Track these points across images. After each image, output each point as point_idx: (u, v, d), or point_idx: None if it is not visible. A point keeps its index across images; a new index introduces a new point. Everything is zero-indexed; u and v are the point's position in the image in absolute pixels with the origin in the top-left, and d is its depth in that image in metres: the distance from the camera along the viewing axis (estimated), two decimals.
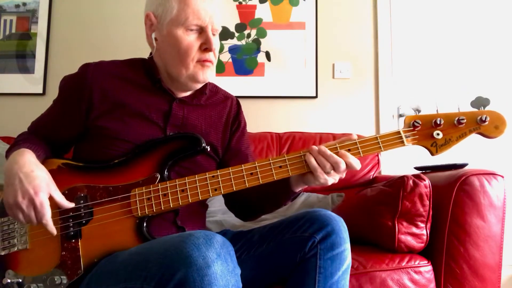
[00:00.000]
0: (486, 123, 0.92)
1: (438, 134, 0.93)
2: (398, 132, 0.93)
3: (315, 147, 0.92)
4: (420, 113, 0.95)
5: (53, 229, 0.90)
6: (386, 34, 2.25)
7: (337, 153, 0.90)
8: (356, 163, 0.90)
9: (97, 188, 0.95)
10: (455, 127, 0.93)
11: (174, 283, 0.71)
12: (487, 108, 0.93)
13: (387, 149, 0.93)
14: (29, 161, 0.92)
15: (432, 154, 0.94)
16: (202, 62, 1.01)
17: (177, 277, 0.71)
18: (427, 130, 0.93)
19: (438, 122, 0.92)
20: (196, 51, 1.00)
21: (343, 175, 0.93)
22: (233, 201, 1.17)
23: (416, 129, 0.94)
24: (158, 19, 1.03)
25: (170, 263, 0.72)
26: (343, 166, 0.89)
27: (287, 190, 1.00)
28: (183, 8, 0.98)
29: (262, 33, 2.26)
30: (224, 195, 1.16)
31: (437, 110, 0.94)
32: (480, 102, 0.94)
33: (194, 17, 0.98)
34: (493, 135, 0.93)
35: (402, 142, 0.93)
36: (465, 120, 0.92)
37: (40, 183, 0.88)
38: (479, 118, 0.92)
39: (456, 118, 0.92)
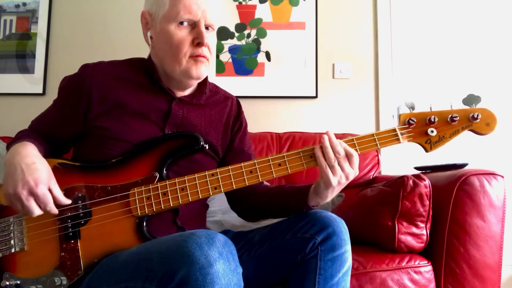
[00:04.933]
0: (478, 120, 0.95)
1: (432, 132, 0.95)
2: (394, 130, 0.96)
3: (325, 140, 0.92)
4: (414, 111, 0.97)
5: (55, 210, 0.90)
6: (386, 34, 2.25)
7: None
8: (352, 151, 0.92)
9: (95, 187, 0.95)
10: (448, 124, 0.96)
11: (176, 282, 0.71)
12: (478, 106, 0.96)
13: (383, 146, 0.96)
14: (31, 153, 0.92)
15: (426, 150, 0.97)
16: (195, 58, 0.99)
17: (179, 276, 0.71)
18: (422, 127, 0.96)
19: (432, 120, 0.95)
20: (189, 46, 0.99)
21: (349, 176, 0.92)
22: (240, 201, 1.16)
23: (411, 127, 0.96)
24: (152, 16, 1.03)
25: (172, 262, 0.72)
26: (342, 152, 0.90)
27: (304, 204, 0.99)
28: (174, 3, 0.98)
29: (262, 33, 2.26)
30: (228, 194, 1.17)
31: (430, 108, 0.97)
32: (471, 100, 0.97)
33: (185, 12, 0.97)
34: (485, 132, 0.96)
35: (398, 139, 0.95)
36: (458, 118, 0.95)
37: (40, 175, 0.88)
38: (471, 115, 0.95)
39: (449, 116, 0.95)
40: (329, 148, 0.91)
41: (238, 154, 1.15)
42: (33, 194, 0.87)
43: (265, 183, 1.21)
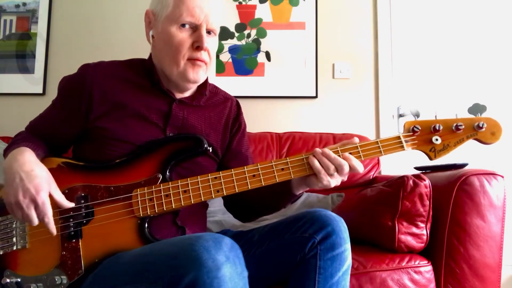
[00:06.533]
0: (483, 129, 0.95)
1: (437, 140, 0.96)
2: (398, 137, 0.96)
3: (318, 150, 0.92)
4: (419, 118, 0.97)
5: (53, 228, 0.90)
6: (386, 34, 2.25)
7: (339, 156, 0.92)
8: (359, 166, 0.92)
9: (98, 188, 0.95)
10: (453, 133, 0.96)
11: (184, 285, 0.71)
12: (483, 115, 0.97)
13: (387, 153, 0.96)
14: (29, 160, 0.92)
15: (430, 158, 0.97)
16: (193, 61, 1.00)
17: (187, 280, 0.71)
18: (426, 135, 0.96)
19: (437, 128, 0.95)
20: (188, 48, 0.99)
21: (346, 178, 0.94)
22: (233, 202, 1.17)
23: (415, 134, 0.96)
24: (156, 16, 1.03)
25: (180, 266, 0.72)
26: (346, 168, 0.91)
27: (288, 193, 1.01)
28: (178, 5, 0.98)
29: (262, 33, 2.26)
30: (224, 196, 1.17)
31: (435, 116, 0.97)
32: (477, 109, 0.97)
33: (187, 14, 0.98)
34: (490, 141, 0.96)
35: (402, 146, 0.96)
36: (463, 126, 0.95)
37: (40, 182, 0.88)
38: (476, 124, 0.95)
39: (454, 124, 0.95)
40: (328, 163, 0.90)
41: (235, 156, 1.15)
42: (34, 201, 0.87)
43: None
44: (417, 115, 0.98)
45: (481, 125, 0.94)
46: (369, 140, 0.96)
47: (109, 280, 0.84)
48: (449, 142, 0.96)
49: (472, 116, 0.97)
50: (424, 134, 0.96)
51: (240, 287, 0.74)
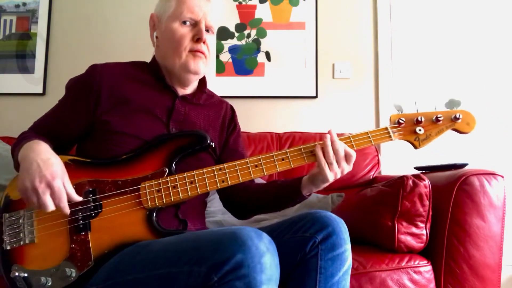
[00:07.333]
0: (460, 120, 1.06)
1: (420, 130, 1.06)
2: (386, 128, 1.06)
3: (327, 139, 0.99)
4: (402, 113, 1.08)
5: (67, 210, 0.91)
6: (386, 34, 2.25)
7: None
8: (352, 151, 1.00)
9: (105, 182, 0.97)
10: (434, 124, 1.07)
11: (231, 266, 0.74)
12: (459, 108, 1.08)
13: (377, 143, 1.06)
14: (45, 150, 0.96)
15: (415, 147, 1.07)
16: (193, 52, 1.08)
17: (234, 261, 0.74)
18: (410, 126, 1.07)
19: (420, 120, 1.06)
20: (189, 41, 1.08)
21: (344, 171, 0.99)
22: (233, 198, 1.20)
23: (401, 126, 1.06)
24: (159, 18, 1.12)
25: (226, 249, 0.76)
26: (342, 153, 0.98)
27: (297, 192, 1.06)
28: (179, 4, 1.09)
29: (262, 33, 2.26)
30: (221, 193, 1.22)
31: (417, 110, 1.08)
32: (452, 104, 1.08)
33: (188, 11, 1.08)
34: (465, 130, 1.07)
35: (390, 136, 1.05)
36: (442, 118, 1.06)
37: (56, 170, 0.91)
38: (453, 116, 1.06)
39: (435, 116, 1.06)
40: (330, 147, 0.98)
41: (232, 154, 1.20)
42: (49, 187, 0.89)
43: (257, 181, 1.25)
44: (400, 110, 1.07)
45: (458, 116, 1.06)
46: (360, 132, 1.05)
47: (137, 266, 0.86)
48: (431, 132, 1.06)
49: (449, 109, 1.08)
50: (408, 126, 1.06)
51: (276, 277, 0.78)
